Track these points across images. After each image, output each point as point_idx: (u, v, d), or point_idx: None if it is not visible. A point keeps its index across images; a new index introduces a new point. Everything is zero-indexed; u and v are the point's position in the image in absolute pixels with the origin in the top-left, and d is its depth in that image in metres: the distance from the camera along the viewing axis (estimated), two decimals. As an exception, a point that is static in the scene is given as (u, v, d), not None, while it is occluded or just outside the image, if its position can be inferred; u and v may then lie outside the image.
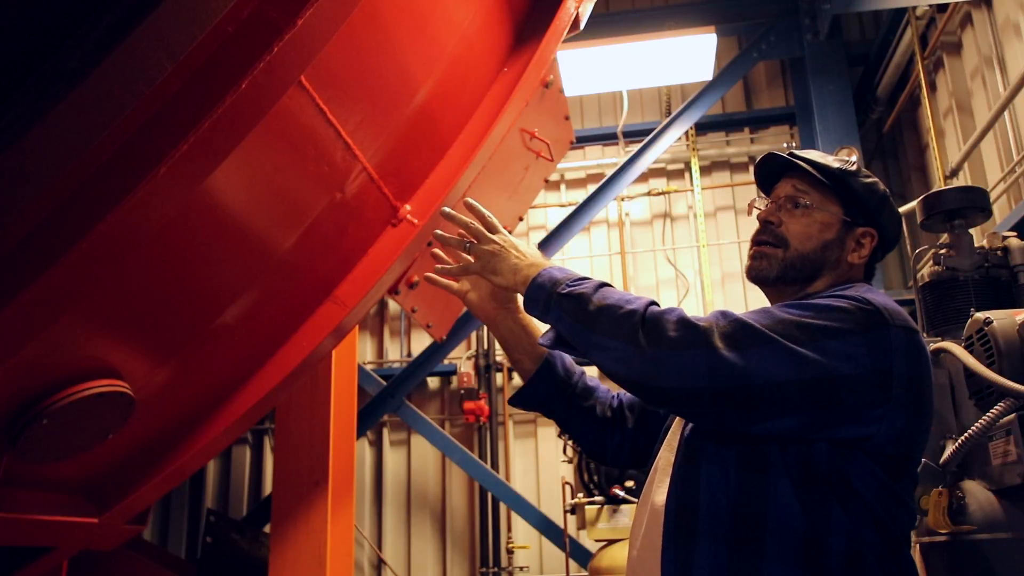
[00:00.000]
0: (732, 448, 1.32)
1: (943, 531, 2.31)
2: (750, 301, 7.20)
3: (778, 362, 1.25)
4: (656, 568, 1.33)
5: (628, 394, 1.72)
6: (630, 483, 4.74)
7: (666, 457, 1.46)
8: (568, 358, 1.74)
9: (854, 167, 1.56)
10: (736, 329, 1.27)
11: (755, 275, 1.55)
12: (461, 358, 7.22)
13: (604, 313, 1.34)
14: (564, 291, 1.40)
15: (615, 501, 4.76)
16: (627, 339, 1.29)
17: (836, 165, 1.55)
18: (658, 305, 1.35)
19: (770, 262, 1.52)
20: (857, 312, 1.31)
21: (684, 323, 1.29)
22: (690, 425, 1.42)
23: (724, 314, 1.31)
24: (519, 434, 7.27)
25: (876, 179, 1.58)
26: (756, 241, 1.56)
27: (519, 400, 1.73)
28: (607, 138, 7.70)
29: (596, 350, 1.34)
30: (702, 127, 7.49)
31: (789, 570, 1.24)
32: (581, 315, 1.36)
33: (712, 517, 1.29)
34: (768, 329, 1.27)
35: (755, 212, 1.61)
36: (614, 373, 1.34)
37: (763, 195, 1.65)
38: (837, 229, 1.52)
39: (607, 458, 1.74)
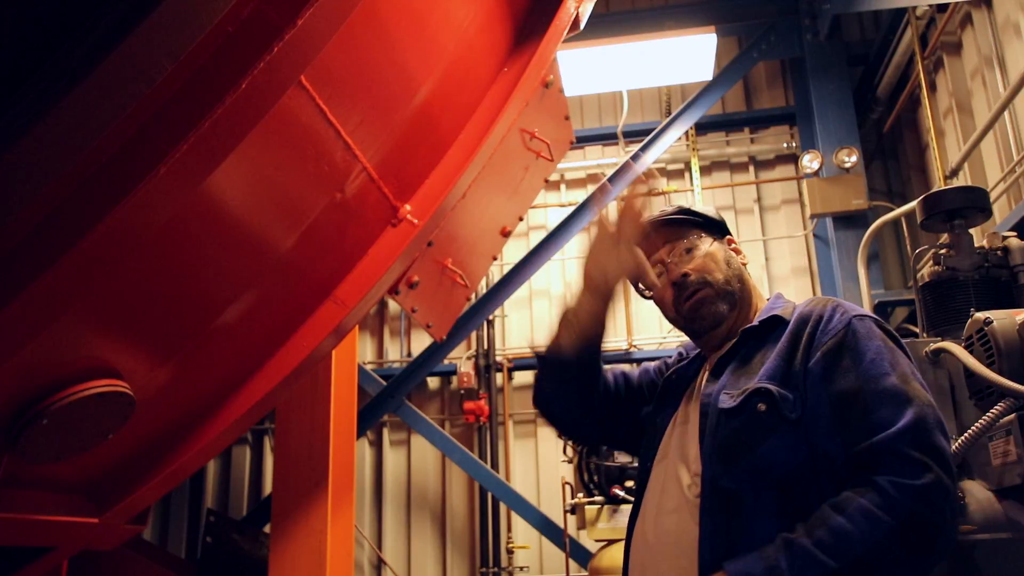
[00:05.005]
0: (772, 497, 1.34)
1: (943, 531, 2.30)
2: (750, 301, 7.19)
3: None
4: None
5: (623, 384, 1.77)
6: (630, 483, 4.74)
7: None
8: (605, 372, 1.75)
9: (685, 205, 1.68)
10: (930, 444, 1.27)
11: (712, 321, 1.56)
12: (461, 358, 7.22)
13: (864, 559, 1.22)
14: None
15: (615, 501, 4.75)
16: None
17: (674, 208, 1.65)
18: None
19: (713, 303, 1.56)
20: None
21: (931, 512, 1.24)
22: (708, 467, 1.39)
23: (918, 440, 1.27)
24: (519, 434, 7.27)
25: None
26: (685, 297, 1.57)
27: (547, 355, 1.69)
28: (607, 138, 7.69)
29: None
30: (702, 127, 7.49)
31: None
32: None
33: None
34: (920, 399, 1.32)
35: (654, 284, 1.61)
36: None
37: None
38: (719, 246, 1.62)
39: (582, 430, 1.79)
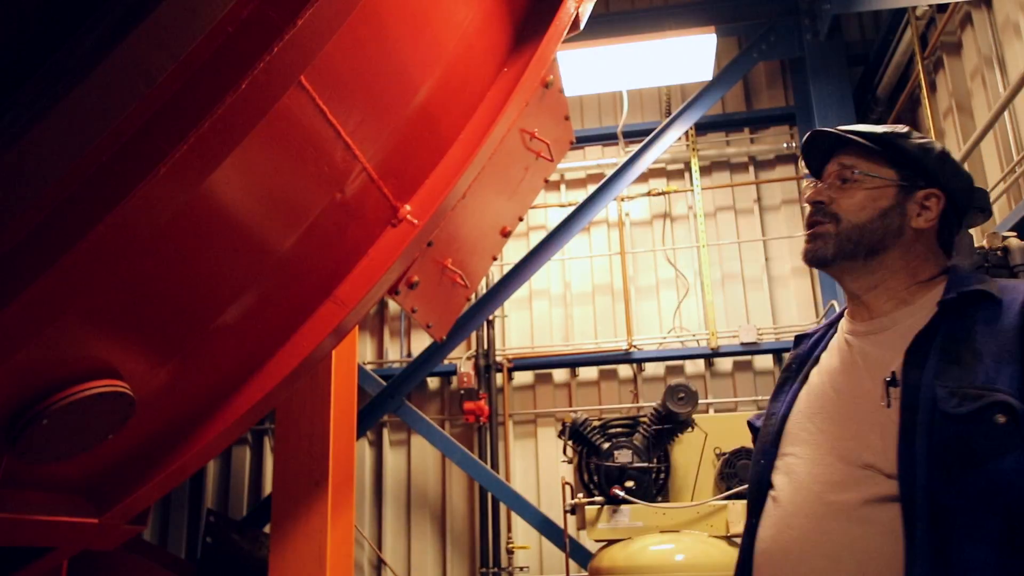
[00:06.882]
0: (995, 524, 1.16)
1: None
2: (750, 301, 7.21)
3: None
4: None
5: None
6: (630, 483, 4.74)
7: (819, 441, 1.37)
8: None
9: (904, 130, 1.48)
10: None
11: (812, 257, 1.46)
12: (461, 358, 7.22)
13: None
14: None
15: (615, 501, 4.75)
16: None
17: (882, 131, 1.47)
18: None
19: (824, 240, 1.45)
20: None
21: None
22: (922, 473, 1.21)
23: None
24: (519, 434, 7.27)
25: (930, 139, 1.48)
26: (809, 224, 1.47)
27: None
28: (607, 138, 7.69)
29: None
30: (702, 127, 7.49)
31: None
32: None
33: None
34: None
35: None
36: None
37: (814, 180, 1.55)
38: (894, 194, 1.44)
39: None
